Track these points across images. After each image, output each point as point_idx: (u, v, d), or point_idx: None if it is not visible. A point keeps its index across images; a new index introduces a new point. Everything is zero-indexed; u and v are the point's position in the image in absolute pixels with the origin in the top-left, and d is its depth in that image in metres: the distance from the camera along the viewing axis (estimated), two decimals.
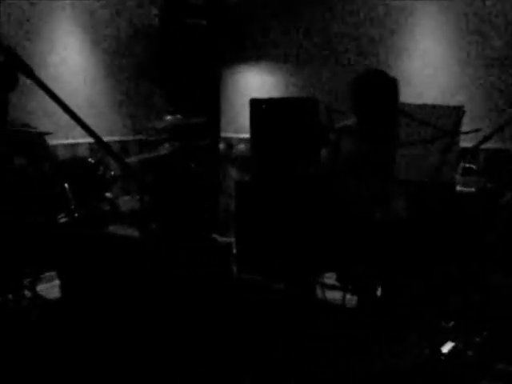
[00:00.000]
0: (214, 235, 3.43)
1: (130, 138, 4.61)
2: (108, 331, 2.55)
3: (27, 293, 2.99)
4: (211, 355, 2.46)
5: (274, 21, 4.59)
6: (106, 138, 4.42)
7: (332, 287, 2.97)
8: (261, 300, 3.17)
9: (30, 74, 1.40)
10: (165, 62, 4.67)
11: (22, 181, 2.55)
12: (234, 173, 4.79)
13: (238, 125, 4.97)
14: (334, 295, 3.00)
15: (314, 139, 3.00)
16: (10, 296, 2.72)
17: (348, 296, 2.74)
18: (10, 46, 1.32)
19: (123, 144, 4.56)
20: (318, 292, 2.93)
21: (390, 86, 2.80)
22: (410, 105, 2.42)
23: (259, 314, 2.94)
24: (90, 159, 2.59)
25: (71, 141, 4.07)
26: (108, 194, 2.62)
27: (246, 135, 4.80)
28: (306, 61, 4.44)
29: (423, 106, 2.43)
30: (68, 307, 2.81)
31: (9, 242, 2.34)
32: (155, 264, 2.74)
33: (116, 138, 4.49)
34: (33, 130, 2.64)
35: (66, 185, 2.51)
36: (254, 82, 4.86)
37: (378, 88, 2.78)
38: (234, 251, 3.97)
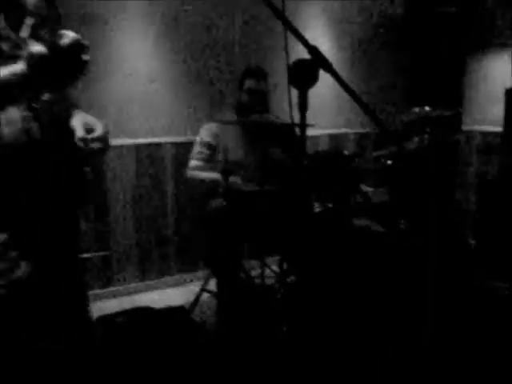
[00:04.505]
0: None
1: (366, 130, 4.59)
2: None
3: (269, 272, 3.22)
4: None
5: None
6: (343, 130, 4.52)
7: None
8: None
9: (330, 69, 1.45)
10: (409, 51, 4.55)
11: (279, 172, 2.73)
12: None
13: (482, 117, 4.60)
14: None
15: None
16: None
17: None
18: (315, 46, 1.38)
19: (360, 136, 4.58)
20: None
21: None
22: None
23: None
24: (345, 151, 2.64)
25: (313, 133, 4.23)
26: (362, 186, 2.65)
27: (491, 128, 4.42)
28: None
29: None
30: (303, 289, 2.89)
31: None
32: (395, 260, 2.68)
33: (353, 130, 4.53)
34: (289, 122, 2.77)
35: (321, 176, 2.59)
36: (504, 71, 4.43)
37: None
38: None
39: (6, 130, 1.17)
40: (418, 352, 2.37)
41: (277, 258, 3.12)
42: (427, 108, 3.18)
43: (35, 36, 0.98)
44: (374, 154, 2.96)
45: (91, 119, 1.51)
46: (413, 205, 2.87)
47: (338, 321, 2.58)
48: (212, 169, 3.00)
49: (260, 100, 3.01)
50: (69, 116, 1.45)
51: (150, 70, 3.54)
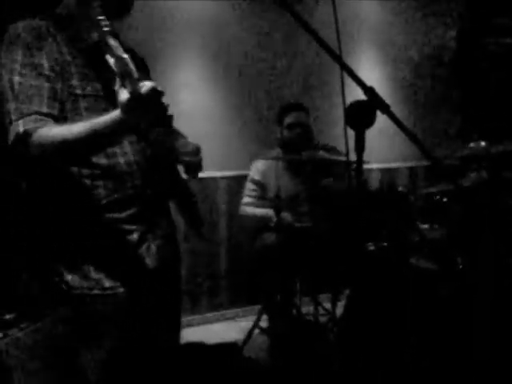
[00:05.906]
0: None
1: (419, 163, 4.52)
2: None
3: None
4: None
5: None
6: (395, 164, 4.46)
7: None
8: None
9: (387, 110, 1.45)
10: (462, 85, 4.49)
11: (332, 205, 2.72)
12: None
13: None
14: None
15: None
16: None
17: None
18: (372, 87, 1.39)
19: (411, 170, 4.51)
20: None
21: None
22: None
23: None
24: (400, 188, 2.61)
25: (364, 167, 4.19)
26: (418, 224, 2.59)
27: None
28: None
29: None
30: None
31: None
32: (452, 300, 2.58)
33: (405, 164, 4.47)
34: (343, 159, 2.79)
35: (376, 214, 2.56)
36: None
37: None
38: None
39: (122, 160, 1.39)
40: None
41: (330, 295, 3.08)
42: (483, 143, 3.10)
43: (123, 87, 1.15)
44: (427, 190, 2.90)
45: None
46: (470, 243, 2.78)
47: (391, 360, 2.50)
48: (264, 205, 3.02)
49: (302, 133, 3.01)
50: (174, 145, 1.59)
51: (204, 107, 3.63)
